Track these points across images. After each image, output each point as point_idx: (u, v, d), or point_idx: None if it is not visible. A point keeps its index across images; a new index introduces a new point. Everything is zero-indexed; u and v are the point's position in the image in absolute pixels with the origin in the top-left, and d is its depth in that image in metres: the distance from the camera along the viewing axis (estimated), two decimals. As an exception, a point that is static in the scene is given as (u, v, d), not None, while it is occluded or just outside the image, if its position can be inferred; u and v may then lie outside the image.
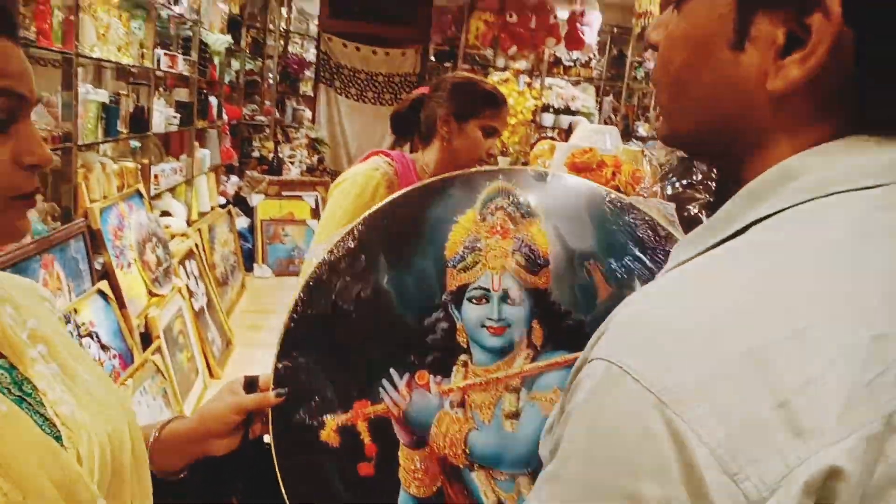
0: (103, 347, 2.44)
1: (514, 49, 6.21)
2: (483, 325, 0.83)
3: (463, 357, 0.83)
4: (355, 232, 0.86)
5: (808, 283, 0.38)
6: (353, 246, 0.85)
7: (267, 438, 0.85)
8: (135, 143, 3.65)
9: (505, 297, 0.84)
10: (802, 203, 0.42)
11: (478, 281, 0.85)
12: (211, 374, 3.64)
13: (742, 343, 0.37)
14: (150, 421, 2.60)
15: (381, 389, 0.83)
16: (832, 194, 0.41)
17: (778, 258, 0.40)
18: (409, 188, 0.90)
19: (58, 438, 0.61)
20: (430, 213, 0.87)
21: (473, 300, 0.84)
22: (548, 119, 7.05)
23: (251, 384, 0.86)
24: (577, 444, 0.41)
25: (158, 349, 2.80)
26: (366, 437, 0.82)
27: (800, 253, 0.40)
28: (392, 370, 0.83)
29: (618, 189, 2.29)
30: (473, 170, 0.92)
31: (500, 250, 0.85)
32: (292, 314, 0.85)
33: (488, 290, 0.84)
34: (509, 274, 0.84)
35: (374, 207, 0.88)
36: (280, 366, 0.83)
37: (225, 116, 5.33)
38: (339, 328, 0.84)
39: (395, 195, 0.89)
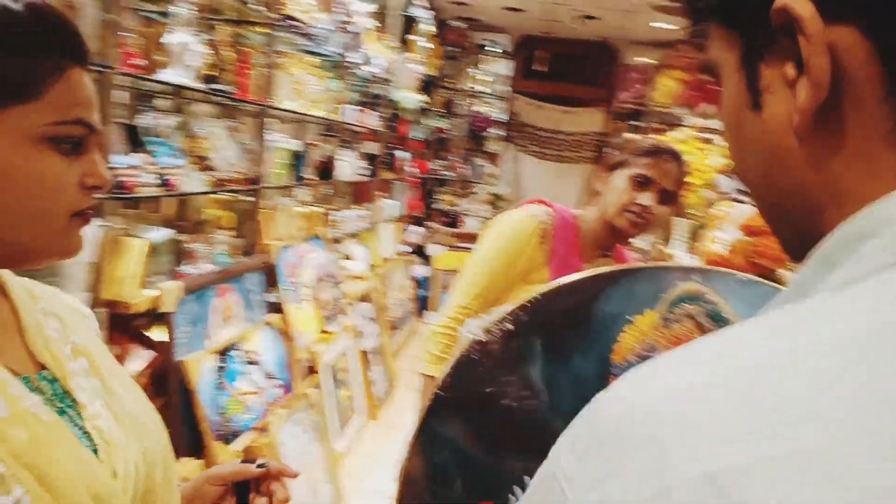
0: (267, 376, 2.60)
1: (705, 107, 5.89)
2: None
3: None
4: (515, 313, 0.77)
5: (831, 387, 0.26)
6: (510, 329, 0.76)
7: None
8: (326, 190, 3.96)
9: None
10: (889, 268, 0.30)
11: None
12: (370, 415, 3.75)
13: (707, 461, 0.26)
14: (297, 452, 2.66)
15: (510, 496, 0.74)
16: None
17: (799, 347, 0.28)
18: (584, 274, 0.80)
19: (94, 452, 0.62)
20: (603, 305, 0.76)
21: None
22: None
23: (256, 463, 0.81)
24: None
25: (316, 384, 2.94)
26: None
27: (834, 342, 0.28)
28: (527, 479, 0.74)
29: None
30: (663, 263, 0.81)
31: None
32: (436, 391, 0.78)
33: None
34: None
35: (541, 289, 0.79)
36: (413, 441, 0.78)
37: (413, 170, 5.63)
38: (480, 418, 0.76)
39: (566, 279, 0.79)
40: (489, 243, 1.52)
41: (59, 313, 0.70)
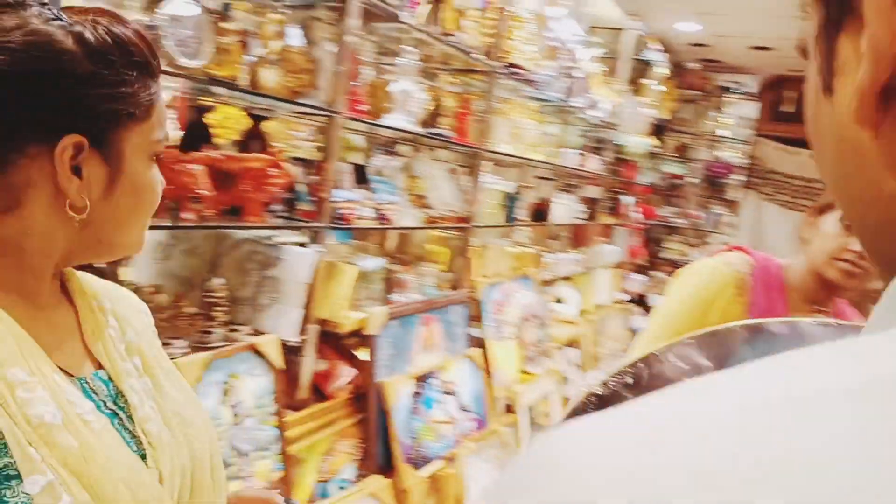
0: (462, 408, 2.68)
1: None
2: None
3: None
4: (637, 366, 0.71)
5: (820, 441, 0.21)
6: (630, 383, 0.70)
7: None
8: (540, 232, 4.00)
9: None
10: None
11: None
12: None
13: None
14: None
15: None
16: None
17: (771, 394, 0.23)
18: (714, 329, 0.73)
19: (142, 456, 0.64)
20: (734, 365, 0.69)
21: None
22: None
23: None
24: None
25: (512, 423, 2.94)
26: None
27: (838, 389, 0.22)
28: None
29: None
30: (801, 320, 0.72)
31: None
32: None
33: None
34: None
35: (669, 343, 0.72)
36: None
37: (638, 215, 5.45)
38: None
39: (696, 333, 0.73)
40: (679, 294, 1.40)
41: (117, 310, 0.73)
